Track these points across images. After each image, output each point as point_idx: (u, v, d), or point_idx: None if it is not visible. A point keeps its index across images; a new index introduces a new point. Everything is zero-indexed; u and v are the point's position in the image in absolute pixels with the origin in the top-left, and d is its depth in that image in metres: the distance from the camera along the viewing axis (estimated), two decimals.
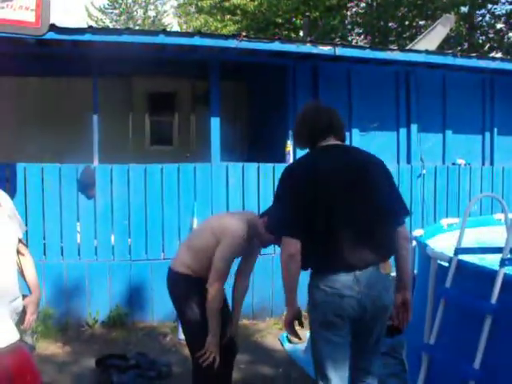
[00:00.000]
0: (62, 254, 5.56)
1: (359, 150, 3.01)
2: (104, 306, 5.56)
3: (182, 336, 4.94)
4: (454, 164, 6.91)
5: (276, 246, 5.87)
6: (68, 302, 5.49)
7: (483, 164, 7.20)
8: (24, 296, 2.80)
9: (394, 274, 2.88)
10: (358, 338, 2.75)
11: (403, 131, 6.84)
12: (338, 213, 2.65)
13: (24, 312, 2.74)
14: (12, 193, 5.39)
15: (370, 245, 2.67)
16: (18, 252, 2.82)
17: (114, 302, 5.59)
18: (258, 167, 6.00)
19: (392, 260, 2.82)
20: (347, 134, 6.37)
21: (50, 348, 4.96)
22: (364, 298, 2.63)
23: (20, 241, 2.83)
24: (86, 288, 5.55)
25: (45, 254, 5.50)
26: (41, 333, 5.04)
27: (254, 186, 5.96)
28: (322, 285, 2.66)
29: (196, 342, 3.24)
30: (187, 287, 3.23)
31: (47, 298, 5.38)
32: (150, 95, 8.71)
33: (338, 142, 2.89)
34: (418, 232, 4.59)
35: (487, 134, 7.26)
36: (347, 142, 6.50)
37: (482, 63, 6.65)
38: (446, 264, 3.23)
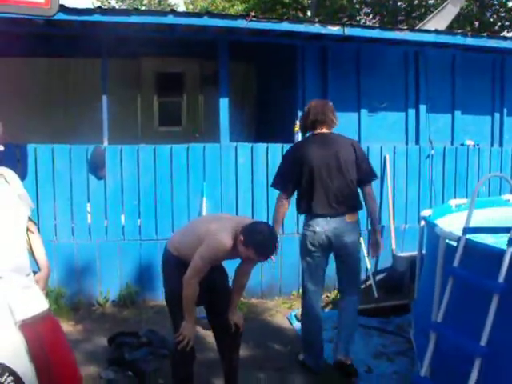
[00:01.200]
0: (73, 235, 5.62)
1: (338, 136, 4.17)
2: (115, 286, 5.64)
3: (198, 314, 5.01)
4: (462, 145, 6.89)
5: (284, 227, 5.98)
6: (79, 282, 5.57)
7: (492, 145, 7.18)
8: (34, 273, 2.85)
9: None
10: (337, 263, 4.17)
11: (412, 112, 6.82)
12: (317, 179, 3.98)
13: None
14: (23, 173, 5.44)
15: (339, 201, 3.99)
16: (28, 230, 2.86)
17: (124, 282, 5.66)
18: (267, 147, 6.01)
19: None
20: (355, 114, 6.53)
21: (63, 327, 5.01)
22: (330, 234, 3.99)
23: (29, 219, 2.86)
24: (97, 268, 5.62)
25: (56, 235, 5.57)
26: (53, 312, 5.09)
27: (263, 166, 5.98)
28: (306, 225, 4.13)
29: (172, 312, 3.43)
30: (175, 265, 3.34)
31: (59, 278, 5.46)
32: (158, 76, 8.71)
33: (325, 131, 4.12)
34: (426, 212, 4.62)
35: (497, 115, 7.23)
36: (356, 123, 6.53)
37: (493, 43, 6.59)
38: (455, 243, 3.25)
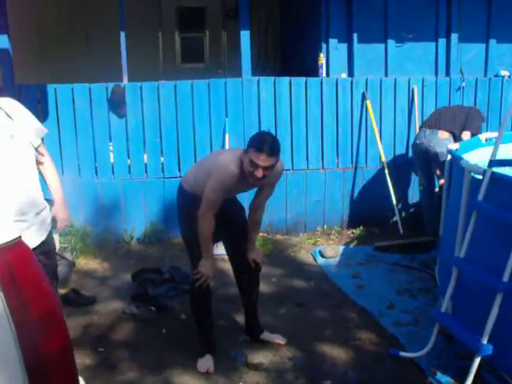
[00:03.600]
0: (97, 174, 5.64)
1: None
2: (139, 224, 5.68)
3: (217, 251, 5.03)
4: (496, 76, 6.57)
5: (309, 162, 5.89)
6: (105, 221, 5.62)
7: None
8: (48, 201, 2.80)
9: None
10: None
11: (442, 41, 6.47)
12: None
13: (55, 220, 2.79)
14: (44, 114, 5.44)
15: None
16: (38, 162, 2.75)
17: (149, 220, 5.70)
18: (290, 81, 5.84)
19: None
20: (382, 45, 6.26)
21: (89, 264, 5.14)
22: None
23: (38, 148, 2.73)
24: (122, 206, 5.66)
25: (80, 174, 5.59)
26: (80, 250, 5.20)
27: (287, 100, 5.83)
28: None
29: (190, 250, 3.40)
30: (191, 202, 3.27)
31: (84, 217, 5.53)
32: (179, 11, 8.49)
33: None
34: (454, 146, 4.46)
35: None
36: (383, 54, 6.27)
37: None
38: (480, 177, 3.13)
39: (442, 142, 5.30)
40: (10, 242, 1.37)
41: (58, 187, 2.88)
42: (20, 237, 1.41)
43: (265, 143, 2.98)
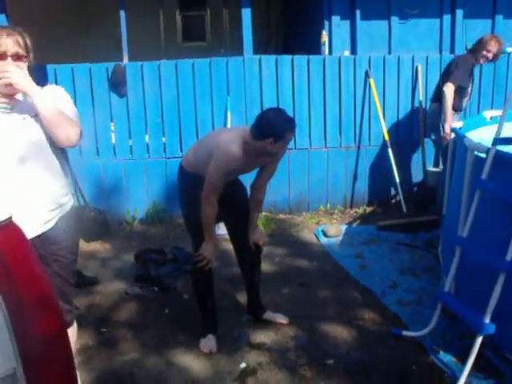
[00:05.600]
0: (98, 154, 5.61)
1: None
2: (142, 204, 5.67)
3: (219, 231, 5.03)
4: (503, 53, 6.47)
5: (311, 141, 5.85)
6: (107, 201, 5.59)
7: None
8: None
9: None
10: None
11: (447, 18, 6.38)
12: None
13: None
14: None
15: None
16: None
17: (151, 200, 5.69)
18: (292, 59, 5.76)
19: None
20: (385, 22, 6.17)
21: (92, 245, 5.09)
22: None
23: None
24: (124, 187, 5.65)
25: (81, 154, 5.56)
26: None
27: (288, 78, 5.76)
28: None
29: (190, 230, 3.38)
30: (193, 182, 3.23)
31: (87, 197, 5.49)
32: None
33: None
34: (457, 124, 4.41)
35: None
36: (386, 31, 6.18)
37: None
38: (484, 155, 3.09)
39: (431, 113, 5.48)
40: (0, 222, 1.34)
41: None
42: (11, 217, 1.38)
43: (286, 130, 2.95)
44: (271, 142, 2.95)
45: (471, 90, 5.52)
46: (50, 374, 1.42)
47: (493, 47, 5.20)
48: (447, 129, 5.00)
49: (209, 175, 3.06)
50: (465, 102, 5.46)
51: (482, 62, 5.32)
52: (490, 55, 5.25)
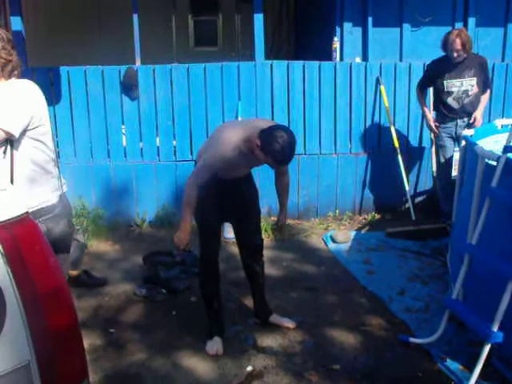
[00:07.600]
0: (109, 156, 5.64)
1: None
2: (151, 207, 5.69)
3: (228, 235, 5.04)
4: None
5: (321, 147, 5.85)
6: (117, 203, 5.64)
7: None
8: None
9: None
10: None
11: (459, 26, 6.36)
12: None
13: None
14: (57, 97, 5.45)
15: None
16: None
17: (161, 203, 5.71)
18: (304, 65, 5.78)
19: None
20: (397, 29, 6.18)
21: (101, 246, 5.17)
22: None
23: None
24: (134, 189, 5.67)
25: (92, 157, 5.61)
26: (92, 232, 5.23)
27: (300, 84, 5.77)
28: None
29: (199, 235, 3.42)
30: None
31: (96, 199, 5.56)
32: None
33: None
34: (468, 131, 4.41)
35: None
36: (398, 39, 6.15)
37: None
38: (494, 163, 3.08)
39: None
40: (17, 216, 1.37)
41: None
42: (27, 212, 1.41)
43: (283, 155, 2.90)
44: (259, 146, 2.92)
45: (463, 89, 5.29)
46: (63, 366, 1.44)
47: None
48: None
49: (199, 163, 3.15)
50: (453, 101, 5.26)
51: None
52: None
